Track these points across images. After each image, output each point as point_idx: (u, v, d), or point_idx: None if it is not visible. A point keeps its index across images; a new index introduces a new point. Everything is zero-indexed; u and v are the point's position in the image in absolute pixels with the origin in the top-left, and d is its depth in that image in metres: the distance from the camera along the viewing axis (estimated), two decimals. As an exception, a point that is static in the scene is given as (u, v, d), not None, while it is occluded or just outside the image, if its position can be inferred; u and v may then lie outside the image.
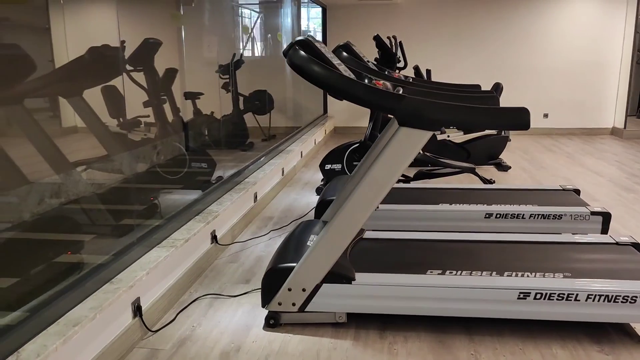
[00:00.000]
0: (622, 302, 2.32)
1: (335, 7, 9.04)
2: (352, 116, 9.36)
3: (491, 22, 8.70)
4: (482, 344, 2.41)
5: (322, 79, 2.29)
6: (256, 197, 4.39)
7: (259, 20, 7.44)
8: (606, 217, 3.45)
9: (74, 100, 3.54)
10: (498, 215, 3.55)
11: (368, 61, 3.78)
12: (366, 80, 2.78)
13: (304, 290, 2.48)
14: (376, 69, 3.77)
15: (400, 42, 5.06)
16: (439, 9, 8.78)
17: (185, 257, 2.98)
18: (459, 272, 2.56)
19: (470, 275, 2.52)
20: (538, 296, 2.36)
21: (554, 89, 8.84)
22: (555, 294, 2.35)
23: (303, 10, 8.87)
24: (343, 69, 2.58)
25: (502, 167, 6.12)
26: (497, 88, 6.23)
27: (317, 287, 2.47)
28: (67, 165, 3.20)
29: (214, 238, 3.41)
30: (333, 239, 2.43)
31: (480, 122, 2.22)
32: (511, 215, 3.54)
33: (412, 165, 5.73)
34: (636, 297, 2.31)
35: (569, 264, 2.64)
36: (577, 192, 4.04)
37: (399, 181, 5.13)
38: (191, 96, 5.55)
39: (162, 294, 2.68)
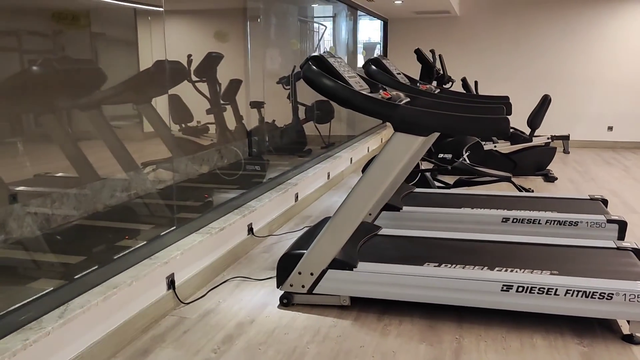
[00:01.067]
0: (599, 298, 2.50)
1: (395, 20, 9.34)
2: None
3: (552, 32, 8.68)
4: (468, 331, 2.65)
5: (328, 89, 2.65)
6: (297, 197, 4.79)
7: (321, 34, 7.89)
8: (622, 225, 3.55)
9: (143, 107, 4.09)
10: (515, 220, 3.73)
11: (399, 73, 4.07)
12: (381, 92, 3.10)
13: (312, 274, 2.83)
14: (406, 81, 4.07)
15: (440, 56, 5.29)
16: (498, 20, 8.86)
17: (220, 244, 3.41)
18: (454, 265, 2.81)
19: (463, 268, 2.77)
20: (520, 289, 2.58)
21: (619, 101, 8.66)
22: (536, 287, 2.56)
23: (365, 24, 9.23)
24: (355, 81, 2.92)
25: (549, 178, 6.17)
26: (545, 100, 6.30)
27: (323, 272, 2.82)
28: (135, 165, 3.70)
29: (250, 230, 3.83)
30: (336, 230, 2.77)
31: (462, 128, 2.49)
32: (527, 220, 3.71)
33: (452, 173, 5.93)
34: (612, 294, 2.48)
35: (561, 264, 2.82)
36: (605, 202, 4.13)
37: (439, 187, 5.35)
38: (256, 105, 6.04)
39: (196, 273, 3.11)
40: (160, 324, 2.73)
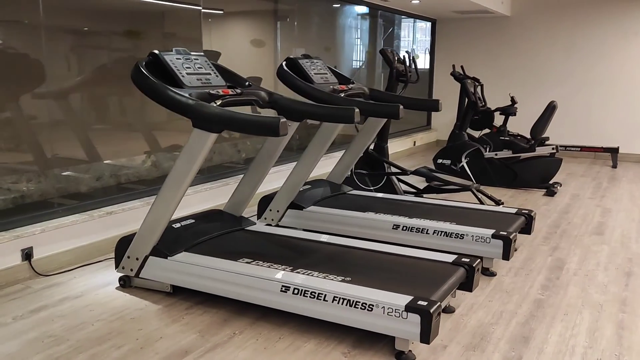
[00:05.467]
0: (360, 308, 2.39)
1: (445, 20, 9.04)
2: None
3: (612, 33, 7.89)
4: (255, 328, 2.66)
5: (145, 88, 2.80)
6: (248, 192, 4.93)
7: (357, 33, 7.95)
8: (507, 242, 3.28)
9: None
10: (404, 228, 3.59)
11: (318, 73, 4.06)
12: (239, 90, 3.18)
13: (137, 259, 3.00)
14: (329, 80, 4.05)
15: (413, 57, 5.11)
16: (553, 21, 8.23)
17: (110, 226, 3.68)
18: (264, 263, 2.83)
19: (268, 267, 2.78)
20: (295, 291, 2.55)
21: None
22: (309, 291, 2.52)
23: (409, 25, 9.07)
24: (197, 78, 3.03)
25: (550, 192, 5.68)
26: (548, 107, 5.82)
27: (146, 258, 2.98)
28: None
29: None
30: (152, 219, 2.91)
31: (241, 128, 2.53)
32: (416, 229, 3.55)
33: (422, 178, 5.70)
34: (373, 305, 2.37)
35: (367, 272, 2.72)
36: (529, 218, 3.80)
37: (406, 192, 5.20)
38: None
39: (67, 250, 3.42)
40: (1, 291, 3.07)
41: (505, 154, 6.04)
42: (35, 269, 3.25)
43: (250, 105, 3.20)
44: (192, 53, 3.18)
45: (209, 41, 5.75)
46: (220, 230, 3.32)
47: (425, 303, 2.30)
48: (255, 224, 3.55)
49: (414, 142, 8.64)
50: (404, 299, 2.35)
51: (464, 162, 6.11)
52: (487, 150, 6.21)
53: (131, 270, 3.04)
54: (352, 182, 5.23)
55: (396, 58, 4.94)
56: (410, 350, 2.40)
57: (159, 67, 2.95)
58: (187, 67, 3.05)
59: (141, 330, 2.64)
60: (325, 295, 2.48)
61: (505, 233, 3.32)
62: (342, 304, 2.44)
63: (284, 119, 2.48)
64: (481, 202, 4.80)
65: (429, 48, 9.29)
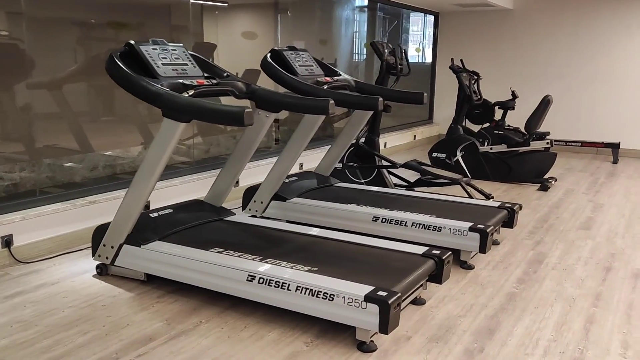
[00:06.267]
0: (322, 298, 2.40)
1: (448, 14, 8.97)
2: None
3: (615, 28, 7.78)
4: (222, 317, 2.68)
5: (118, 79, 2.82)
6: (238, 182, 4.96)
7: (358, 27, 7.94)
8: (483, 235, 3.26)
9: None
10: (383, 220, 3.59)
11: (302, 64, 4.05)
12: (215, 80, 3.19)
13: (112, 247, 3.04)
14: (315, 72, 4.05)
15: (404, 50, 5.09)
16: (556, 14, 8.14)
17: (92, 216, 3.72)
18: (234, 253, 2.85)
19: (238, 257, 2.80)
20: (261, 281, 2.56)
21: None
22: (273, 280, 2.53)
23: (419, 19, 9.02)
24: (172, 69, 3.05)
25: (543, 187, 5.64)
26: (543, 101, 5.77)
27: (120, 246, 3.01)
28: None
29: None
30: (126, 208, 2.94)
31: (206, 117, 2.55)
32: (395, 221, 3.55)
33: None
34: (333, 295, 2.37)
35: (336, 262, 2.73)
36: (511, 210, 3.77)
37: (399, 186, 5.20)
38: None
39: (48, 238, 3.47)
40: (-19, 277, 3.12)
41: (500, 148, 6.00)
42: (14, 256, 3.30)
43: (227, 95, 3.22)
44: (169, 44, 3.19)
45: (216, 33, 5.82)
46: (197, 220, 3.34)
47: (385, 293, 2.30)
48: (234, 214, 3.56)
49: (414, 135, 8.60)
50: (365, 289, 2.35)
51: (458, 156, 6.08)
52: (485, 144, 6.17)
53: (107, 258, 3.08)
54: (343, 174, 5.23)
55: (387, 51, 4.92)
56: (372, 341, 2.40)
57: (136, 58, 2.97)
58: (163, 58, 3.06)
59: (109, 317, 2.67)
60: (289, 284, 2.49)
61: (482, 226, 3.31)
62: (304, 293, 2.45)
63: (250, 109, 2.49)
64: (470, 196, 4.78)
65: (432, 41, 9.23)
